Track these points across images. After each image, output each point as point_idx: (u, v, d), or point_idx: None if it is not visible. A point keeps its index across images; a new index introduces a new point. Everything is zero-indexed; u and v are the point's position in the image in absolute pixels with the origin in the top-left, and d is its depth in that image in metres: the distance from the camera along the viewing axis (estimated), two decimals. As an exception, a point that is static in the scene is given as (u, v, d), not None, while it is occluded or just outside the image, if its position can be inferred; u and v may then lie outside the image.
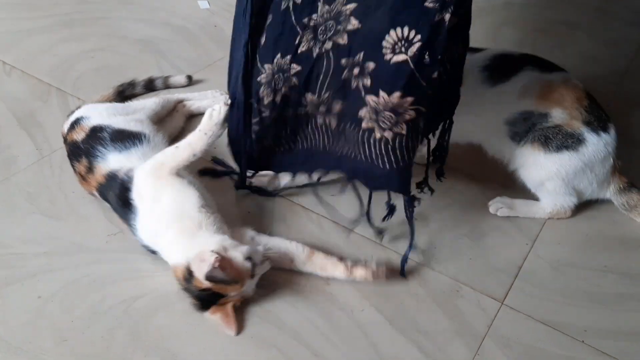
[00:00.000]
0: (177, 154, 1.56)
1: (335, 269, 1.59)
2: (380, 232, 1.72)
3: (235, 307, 1.49)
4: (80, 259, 1.61)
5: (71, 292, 1.54)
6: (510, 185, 1.84)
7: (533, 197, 1.83)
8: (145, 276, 1.58)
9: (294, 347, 1.46)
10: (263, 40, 1.51)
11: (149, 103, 1.93)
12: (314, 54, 1.51)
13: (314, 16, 1.48)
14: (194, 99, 2.09)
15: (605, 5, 2.94)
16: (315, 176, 1.78)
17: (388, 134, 1.46)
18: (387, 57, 1.41)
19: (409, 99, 1.42)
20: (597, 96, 1.77)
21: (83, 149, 1.69)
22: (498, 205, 1.83)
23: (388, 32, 1.40)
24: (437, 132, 1.69)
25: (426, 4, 1.37)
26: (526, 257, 1.71)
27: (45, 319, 1.48)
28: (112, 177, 1.61)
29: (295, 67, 1.53)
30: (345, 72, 1.49)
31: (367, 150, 1.51)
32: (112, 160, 1.64)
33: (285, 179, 1.82)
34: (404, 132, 1.46)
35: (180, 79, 2.21)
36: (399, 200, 1.61)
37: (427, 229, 1.77)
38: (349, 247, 1.70)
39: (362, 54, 1.45)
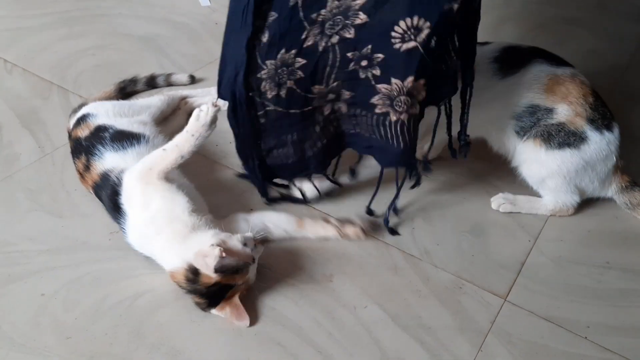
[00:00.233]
0: (164, 156, 1.53)
1: (326, 231, 1.65)
2: (392, 232, 1.75)
3: (242, 297, 1.49)
4: (83, 257, 1.62)
5: (74, 289, 1.54)
6: (513, 181, 1.84)
7: (535, 194, 1.83)
8: (148, 273, 1.58)
9: (297, 343, 1.46)
10: (266, 37, 1.50)
11: (154, 101, 1.93)
12: (320, 48, 1.51)
13: (323, 11, 1.48)
14: (197, 96, 2.08)
15: (606, 0, 2.94)
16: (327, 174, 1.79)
17: (404, 117, 1.54)
18: (397, 46, 1.46)
19: (422, 82, 1.50)
20: (598, 92, 1.77)
21: (84, 146, 1.69)
22: (500, 202, 1.82)
23: (398, 23, 1.44)
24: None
25: None
26: (529, 253, 1.71)
27: (48, 317, 1.48)
28: (106, 177, 1.61)
29: (301, 61, 1.52)
30: (352, 64, 1.51)
31: (382, 131, 1.59)
32: (108, 160, 1.63)
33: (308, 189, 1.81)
34: (417, 111, 1.55)
35: (183, 77, 2.21)
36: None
37: (430, 226, 1.77)
38: (351, 244, 1.70)
39: (370, 46, 1.48)
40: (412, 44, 1.45)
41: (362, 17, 1.46)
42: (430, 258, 1.68)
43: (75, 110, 1.84)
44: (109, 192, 1.58)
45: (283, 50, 1.51)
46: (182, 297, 1.50)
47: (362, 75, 1.52)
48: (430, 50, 1.46)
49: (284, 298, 1.56)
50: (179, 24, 2.58)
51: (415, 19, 1.43)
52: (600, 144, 1.71)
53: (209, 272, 1.42)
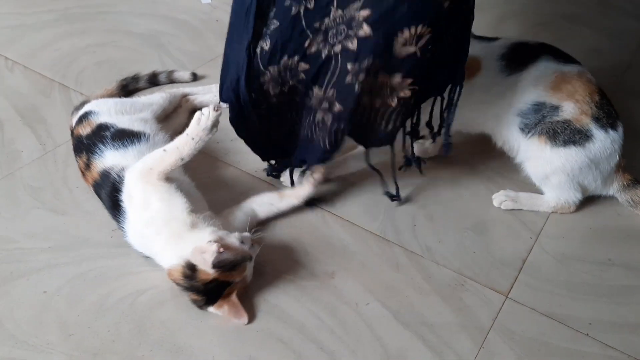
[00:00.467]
0: (164, 157, 1.52)
1: (305, 189, 1.74)
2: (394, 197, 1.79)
3: (240, 296, 1.49)
4: (85, 254, 1.62)
5: (76, 286, 1.54)
6: (515, 178, 1.84)
7: (537, 191, 1.83)
8: (150, 270, 1.57)
9: (299, 340, 1.46)
10: (267, 45, 1.50)
11: (156, 99, 1.92)
12: (323, 55, 1.51)
13: (326, 20, 1.48)
14: (198, 94, 2.08)
15: (607, -2, 2.94)
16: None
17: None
18: (396, 53, 1.46)
19: (409, 80, 1.51)
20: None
21: (85, 144, 1.69)
22: (502, 199, 1.82)
23: (401, 33, 1.44)
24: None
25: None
26: (530, 250, 1.72)
27: (51, 314, 1.48)
28: (106, 175, 1.61)
29: (304, 66, 1.53)
30: (350, 76, 1.50)
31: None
32: (108, 158, 1.63)
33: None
34: (394, 104, 1.55)
35: (185, 75, 2.20)
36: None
37: (431, 223, 1.77)
38: (352, 240, 1.71)
39: (370, 58, 1.47)
40: (411, 49, 1.46)
41: (366, 30, 1.45)
42: (432, 255, 1.68)
43: (77, 108, 1.84)
44: (108, 190, 1.58)
45: (286, 57, 1.52)
46: (184, 294, 1.51)
47: (357, 89, 1.51)
48: (425, 51, 1.46)
49: (286, 295, 1.56)
50: (180, 21, 2.58)
51: (420, 27, 1.43)
52: (604, 143, 1.72)
53: (206, 267, 1.42)
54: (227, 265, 1.42)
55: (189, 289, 1.47)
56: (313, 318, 1.51)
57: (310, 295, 1.56)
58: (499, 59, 1.74)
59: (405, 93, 1.53)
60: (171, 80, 2.19)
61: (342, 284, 1.59)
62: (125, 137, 1.66)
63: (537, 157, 1.75)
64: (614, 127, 1.73)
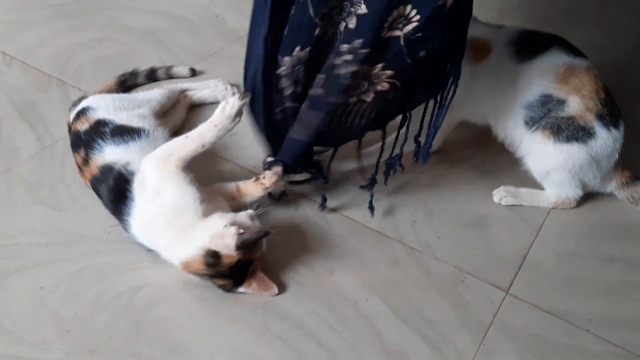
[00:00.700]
0: (186, 144, 1.54)
1: (258, 189, 1.67)
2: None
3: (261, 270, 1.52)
4: (82, 250, 1.61)
5: (74, 282, 1.53)
6: (515, 174, 1.83)
7: (537, 187, 1.82)
8: (148, 267, 1.57)
9: (298, 337, 1.45)
10: (285, 33, 1.50)
11: (154, 95, 1.92)
12: (327, 37, 1.51)
13: (330, 1, 1.47)
14: (196, 89, 2.08)
15: (607, -6, 2.93)
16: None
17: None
18: (382, 33, 1.45)
19: (389, 72, 1.49)
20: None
21: (83, 139, 1.68)
22: (502, 194, 1.81)
23: (391, 13, 1.42)
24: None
25: None
26: (531, 246, 1.71)
27: (48, 310, 1.47)
28: (107, 170, 1.60)
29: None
30: (337, 58, 1.49)
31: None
32: (108, 153, 1.63)
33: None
34: (370, 99, 1.54)
35: (183, 70, 2.20)
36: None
37: (431, 219, 1.76)
38: (351, 236, 1.70)
39: (361, 40, 1.45)
40: (397, 32, 1.45)
41: (363, 7, 1.44)
42: (432, 251, 1.68)
43: (75, 104, 1.83)
44: (111, 185, 1.57)
45: (298, 48, 1.51)
46: (181, 290, 1.50)
47: (341, 71, 1.50)
48: (411, 43, 1.45)
49: (285, 292, 1.55)
50: (178, 16, 2.57)
51: (408, 8, 1.42)
52: (606, 141, 1.71)
53: (230, 251, 1.44)
54: (250, 244, 1.45)
55: (215, 276, 1.48)
56: (312, 314, 1.50)
57: (309, 292, 1.55)
58: (510, 45, 1.72)
59: (383, 86, 1.52)
60: (170, 76, 2.18)
61: (342, 280, 1.59)
62: (125, 133, 1.66)
63: (539, 152, 1.73)
64: (616, 125, 1.72)
